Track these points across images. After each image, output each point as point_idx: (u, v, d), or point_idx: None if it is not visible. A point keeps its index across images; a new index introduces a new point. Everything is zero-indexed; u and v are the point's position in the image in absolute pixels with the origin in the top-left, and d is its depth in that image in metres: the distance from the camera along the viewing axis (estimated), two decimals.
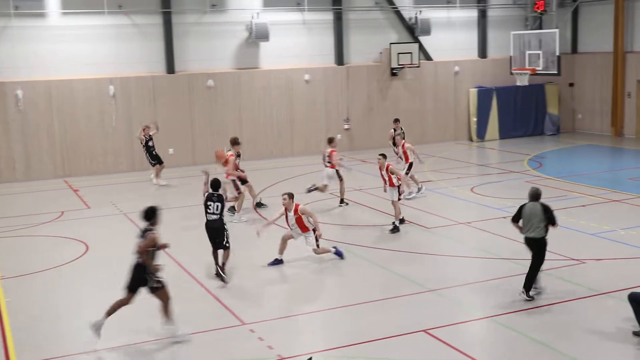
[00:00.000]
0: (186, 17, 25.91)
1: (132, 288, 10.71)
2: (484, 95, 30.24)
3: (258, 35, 26.13)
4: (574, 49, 31.99)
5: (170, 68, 25.67)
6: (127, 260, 14.91)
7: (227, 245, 13.51)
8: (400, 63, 28.46)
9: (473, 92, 30.32)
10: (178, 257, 14.82)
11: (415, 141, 29.11)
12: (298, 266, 14.29)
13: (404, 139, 20.79)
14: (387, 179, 16.63)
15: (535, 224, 11.78)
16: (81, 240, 16.42)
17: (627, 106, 29.95)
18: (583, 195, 19.32)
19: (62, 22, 24.41)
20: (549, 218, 11.82)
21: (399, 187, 16.60)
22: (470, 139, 30.38)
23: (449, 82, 30.21)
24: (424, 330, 10.81)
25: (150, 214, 10.77)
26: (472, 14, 30.62)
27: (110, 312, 10.74)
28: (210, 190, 13.64)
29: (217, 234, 13.48)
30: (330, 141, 19.35)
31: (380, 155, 16.83)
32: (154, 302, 10.83)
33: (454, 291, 12.58)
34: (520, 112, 30.92)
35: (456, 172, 23.06)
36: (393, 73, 28.95)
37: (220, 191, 13.55)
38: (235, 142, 18.47)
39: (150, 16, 25.39)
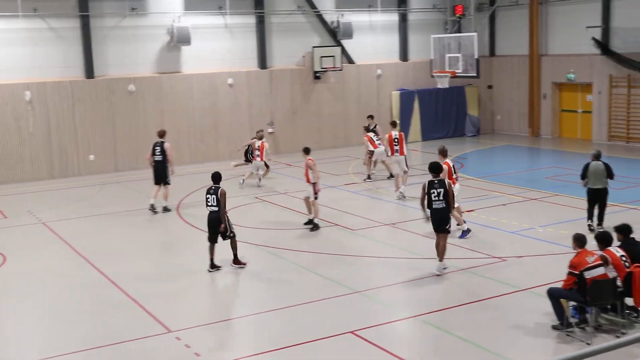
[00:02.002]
0: (105, 21, 25.38)
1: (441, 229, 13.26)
2: (406, 98, 30.68)
3: (180, 39, 25.81)
4: (492, 52, 32.80)
5: (90, 73, 25.08)
6: (47, 269, 14.42)
7: (231, 234, 13.92)
8: (323, 66, 28.58)
9: (395, 94, 30.72)
10: (99, 265, 14.52)
11: (339, 144, 29.48)
12: (224, 271, 14.17)
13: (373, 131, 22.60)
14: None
15: (600, 178, 15.21)
16: None
17: (543, 108, 30.88)
18: (503, 194, 19.80)
19: None
20: (609, 173, 15.29)
21: (314, 184, 16.68)
22: None
23: (371, 85, 30.53)
24: (351, 332, 10.86)
25: (437, 168, 13.49)
26: (393, 17, 31.03)
27: (441, 255, 13.33)
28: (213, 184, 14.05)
29: (217, 225, 13.76)
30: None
31: (303, 149, 17.40)
32: (73, 310, 10.51)
33: (380, 292, 12.70)
34: (441, 114, 31.50)
35: (380, 173, 23.27)
36: (316, 76, 29.06)
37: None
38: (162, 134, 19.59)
39: (68, 20, 24.75)
